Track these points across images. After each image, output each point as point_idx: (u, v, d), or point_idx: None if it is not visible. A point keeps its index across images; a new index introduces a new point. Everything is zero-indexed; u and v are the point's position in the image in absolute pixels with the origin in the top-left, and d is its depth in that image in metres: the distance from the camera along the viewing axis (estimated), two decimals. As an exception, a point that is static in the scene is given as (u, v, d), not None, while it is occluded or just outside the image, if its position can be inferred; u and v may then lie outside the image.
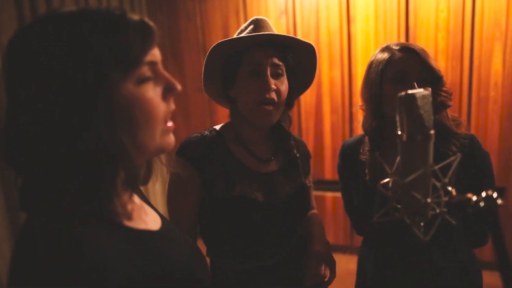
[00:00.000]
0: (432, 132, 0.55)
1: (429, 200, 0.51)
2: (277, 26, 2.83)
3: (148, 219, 0.65)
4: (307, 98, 2.86)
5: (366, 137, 1.15)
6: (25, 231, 0.49)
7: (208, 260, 1.05)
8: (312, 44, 1.02)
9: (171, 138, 0.60)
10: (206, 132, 1.05)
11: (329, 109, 2.83)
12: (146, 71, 0.54)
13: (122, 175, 0.54)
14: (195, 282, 0.63)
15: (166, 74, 0.58)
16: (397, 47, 1.05)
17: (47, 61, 0.48)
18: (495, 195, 0.48)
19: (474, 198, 0.49)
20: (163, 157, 0.69)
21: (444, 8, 2.41)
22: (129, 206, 0.59)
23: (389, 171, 0.60)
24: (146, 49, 0.53)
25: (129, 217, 0.58)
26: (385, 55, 1.05)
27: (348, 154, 1.21)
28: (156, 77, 0.57)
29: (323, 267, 1.00)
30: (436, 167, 0.58)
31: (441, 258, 1.07)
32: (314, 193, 1.31)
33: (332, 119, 2.84)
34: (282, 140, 1.09)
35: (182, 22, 3.15)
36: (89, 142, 0.48)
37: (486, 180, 1.08)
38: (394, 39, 2.54)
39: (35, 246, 0.46)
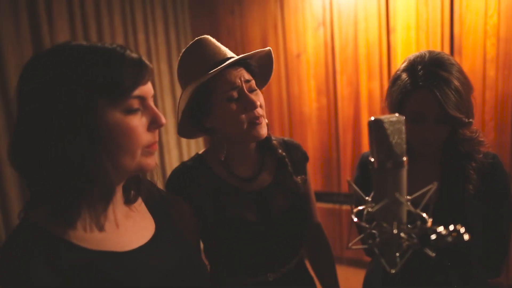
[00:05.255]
0: (404, 159, 0.52)
1: (395, 230, 0.49)
2: (314, 38, 2.82)
3: (131, 236, 0.68)
4: (344, 110, 2.80)
5: None
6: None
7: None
8: (270, 48, 1.02)
9: (152, 159, 0.65)
10: (188, 161, 1.05)
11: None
12: (134, 103, 0.60)
13: (96, 192, 0.57)
14: None
15: (154, 108, 0.63)
16: (421, 76, 0.93)
17: (48, 85, 0.55)
18: (462, 230, 0.44)
19: (443, 231, 0.46)
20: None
21: (494, 13, 2.24)
22: (101, 223, 0.62)
23: (366, 199, 0.58)
24: (136, 84, 0.59)
25: (96, 232, 0.61)
26: (407, 82, 0.95)
27: (366, 166, 1.14)
28: (144, 110, 0.62)
29: None
30: (413, 196, 0.55)
31: (459, 282, 0.98)
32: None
33: (371, 132, 2.73)
34: (265, 146, 1.07)
35: (223, 38, 3.25)
36: (71, 157, 0.54)
37: (507, 203, 0.99)
38: (438, 49, 2.40)
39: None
